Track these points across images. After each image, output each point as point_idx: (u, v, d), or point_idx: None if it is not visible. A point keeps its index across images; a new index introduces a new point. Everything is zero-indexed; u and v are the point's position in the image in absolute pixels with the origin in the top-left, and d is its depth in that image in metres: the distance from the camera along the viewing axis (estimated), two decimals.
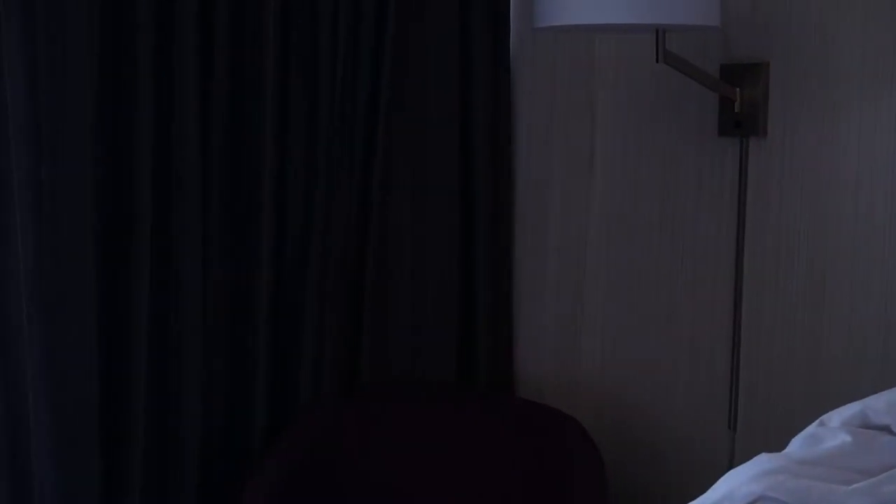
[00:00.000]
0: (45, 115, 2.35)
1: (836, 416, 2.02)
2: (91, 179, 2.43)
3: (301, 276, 2.77)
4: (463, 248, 2.98)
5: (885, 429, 1.94)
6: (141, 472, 2.54)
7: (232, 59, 2.63)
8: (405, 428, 2.84)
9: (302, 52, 2.73)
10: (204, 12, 2.54)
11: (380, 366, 2.88)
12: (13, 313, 2.37)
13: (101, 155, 2.44)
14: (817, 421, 2.03)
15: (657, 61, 2.54)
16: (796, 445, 1.99)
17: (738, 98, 2.69)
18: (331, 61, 2.76)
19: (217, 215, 2.65)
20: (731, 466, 2.27)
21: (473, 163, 2.96)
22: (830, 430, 1.99)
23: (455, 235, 2.96)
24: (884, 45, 2.48)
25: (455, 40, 2.89)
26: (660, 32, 2.49)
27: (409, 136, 2.87)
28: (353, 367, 2.85)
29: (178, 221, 2.57)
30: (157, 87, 2.51)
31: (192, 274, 2.59)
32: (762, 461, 1.92)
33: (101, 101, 2.44)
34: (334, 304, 2.81)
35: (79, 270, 2.43)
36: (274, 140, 2.68)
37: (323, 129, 2.76)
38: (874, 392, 2.08)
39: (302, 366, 2.78)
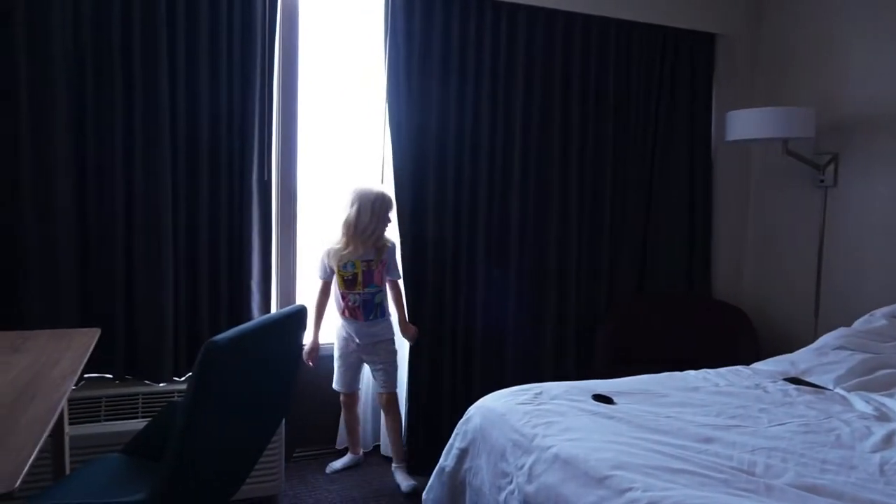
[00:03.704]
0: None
1: (878, 312, 2.66)
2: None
3: (621, 246, 3.50)
4: (689, 237, 3.61)
5: None
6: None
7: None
8: (663, 309, 3.42)
9: (630, 153, 3.47)
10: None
11: (654, 284, 3.58)
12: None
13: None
14: (868, 314, 2.67)
15: (783, 154, 3.23)
16: (857, 324, 2.66)
17: (823, 170, 3.30)
18: (640, 158, 3.50)
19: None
20: (814, 337, 2.80)
21: (695, 197, 3.63)
22: (876, 318, 2.63)
23: (685, 230, 3.59)
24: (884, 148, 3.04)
25: (686, 146, 3.58)
26: (785, 140, 3.19)
27: (665, 189, 3.58)
28: (640, 285, 3.57)
29: (550, 228, 3.34)
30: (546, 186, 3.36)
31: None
32: (841, 330, 2.63)
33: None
34: (632, 258, 3.52)
35: None
36: (613, 189, 3.45)
37: (631, 186, 3.50)
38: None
39: (619, 285, 3.51)
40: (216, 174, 2.75)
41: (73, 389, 2.48)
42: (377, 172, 3.11)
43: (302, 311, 1.93)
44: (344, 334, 2.96)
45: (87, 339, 1.96)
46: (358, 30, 3.21)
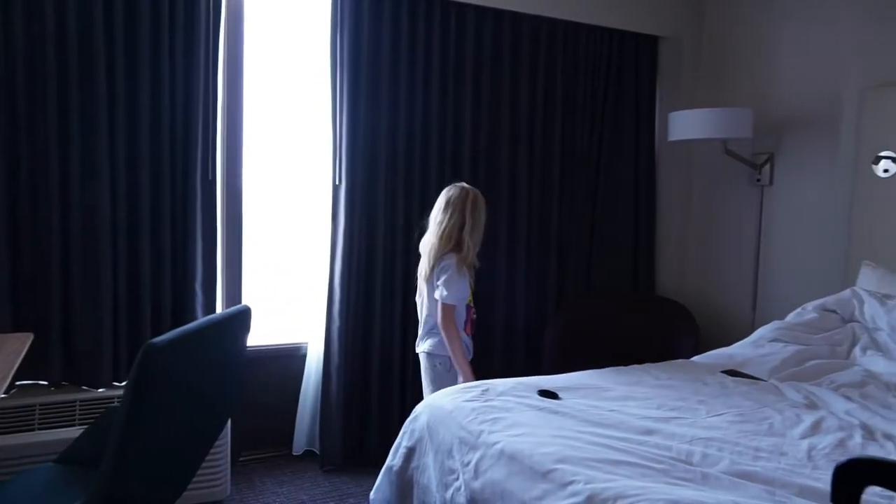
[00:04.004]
0: None
1: (809, 305, 2.72)
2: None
3: (569, 245, 3.56)
4: (634, 235, 3.70)
5: (833, 311, 2.67)
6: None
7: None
8: (609, 307, 3.52)
9: (578, 154, 3.53)
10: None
11: (600, 283, 3.65)
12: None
13: None
14: (801, 307, 2.73)
15: (723, 154, 3.34)
16: (790, 317, 2.71)
17: (759, 169, 3.40)
18: (586, 159, 3.56)
19: (535, 219, 3.48)
20: (752, 330, 2.81)
21: (640, 196, 3.72)
22: (807, 311, 2.69)
23: (630, 228, 3.68)
24: (805, 152, 3.15)
25: (632, 146, 3.68)
26: (724, 141, 3.28)
27: (611, 188, 3.66)
28: (587, 284, 3.64)
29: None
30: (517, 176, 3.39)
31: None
32: (775, 323, 2.68)
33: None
34: (578, 258, 3.58)
35: None
36: (560, 189, 3.51)
37: (578, 185, 3.56)
38: (828, 295, 2.77)
39: (567, 284, 3.57)
40: (158, 173, 2.70)
41: (4, 397, 2.40)
42: (328, 173, 3.08)
43: (246, 312, 1.90)
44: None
45: (18, 345, 1.89)
46: (305, 27, 3.18)
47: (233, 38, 2.92)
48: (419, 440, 2.06)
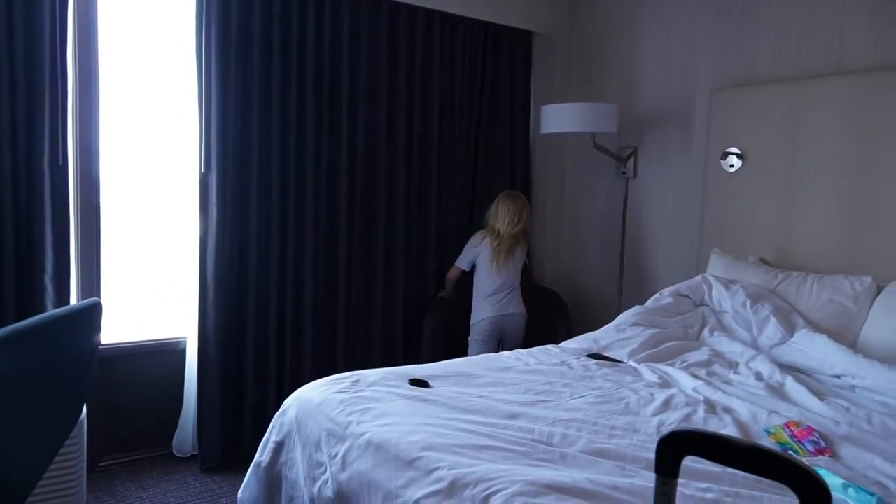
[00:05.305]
0: None
1: (665, 291, 2.87)
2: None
3: (447, 239, 3.55)
4: None
5: (686, 296, 2.84)
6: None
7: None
8: None
9: (455, 144, 3.53)
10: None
11: None
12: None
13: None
14: (658, 293, 2.89)
15: (591, 147, 3.49)
16: (649, 303, 2.85)
17: (624, 162, 3.60)
18: (464, 150, 3.57)
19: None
20: (619, 313, 2.95)
21: (515, 186, 3.75)
22: (664, 296, 2.82)
23: None
24: (679, 144, 3.37)
25: (507, 138, 3.74)
26: (593, 135, 3.43)
27: (488, 178, 3.69)
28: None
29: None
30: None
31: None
32: (636, 308, 2.82)
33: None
34: (458, 248, 3.45)
35: None
36: (439, 180, 3.51)
37: (457, 175, 3.57)
38: (682, 280, 2.95)
39: (445, 275, 3.48)
40: None
41: None
42: (196, 165, 2.92)
43: (94, 307, 1.76)
44: None
45: None
46: (170, 9, 2.99)
47: (83, 10, 2.69)
48: (287, 434, 2.01)
